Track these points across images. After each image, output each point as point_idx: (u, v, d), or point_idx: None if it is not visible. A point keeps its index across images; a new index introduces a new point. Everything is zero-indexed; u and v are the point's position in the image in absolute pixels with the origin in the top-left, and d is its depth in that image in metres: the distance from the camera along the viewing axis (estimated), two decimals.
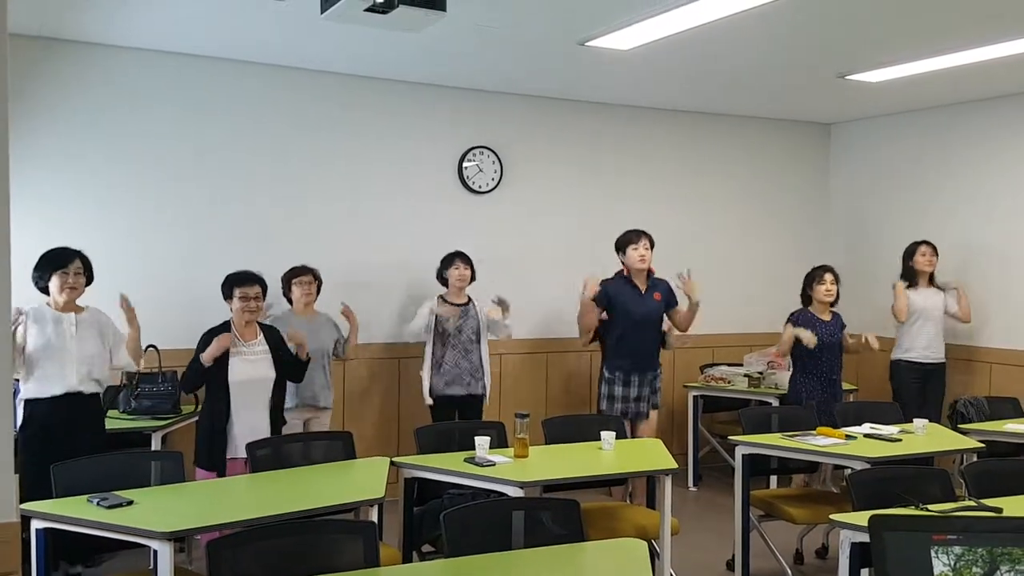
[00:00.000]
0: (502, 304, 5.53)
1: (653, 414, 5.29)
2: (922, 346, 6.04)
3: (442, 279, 5.57)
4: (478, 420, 5.35)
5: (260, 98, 5.68)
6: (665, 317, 5.41)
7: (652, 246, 5.26)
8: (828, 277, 5.53)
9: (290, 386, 4.88)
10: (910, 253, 6.15)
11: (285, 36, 5.01)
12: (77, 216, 5.19)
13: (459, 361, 5.45)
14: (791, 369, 5.65)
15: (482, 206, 6.36)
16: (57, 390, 4.01)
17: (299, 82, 5.77)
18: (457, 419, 5.42)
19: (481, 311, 5.54)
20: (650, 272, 5.31)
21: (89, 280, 4.21)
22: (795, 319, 5.50)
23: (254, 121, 5.68)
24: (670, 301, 5.34)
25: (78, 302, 4.18)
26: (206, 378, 4.35)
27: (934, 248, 6.11)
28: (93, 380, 4.15)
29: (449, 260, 5.55)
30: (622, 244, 5.29)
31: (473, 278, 5.57)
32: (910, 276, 6.11)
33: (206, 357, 4.29)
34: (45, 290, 4.12)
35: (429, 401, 5.45)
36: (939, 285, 6.17)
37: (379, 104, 6.02)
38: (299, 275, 5.21)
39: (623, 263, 5.29)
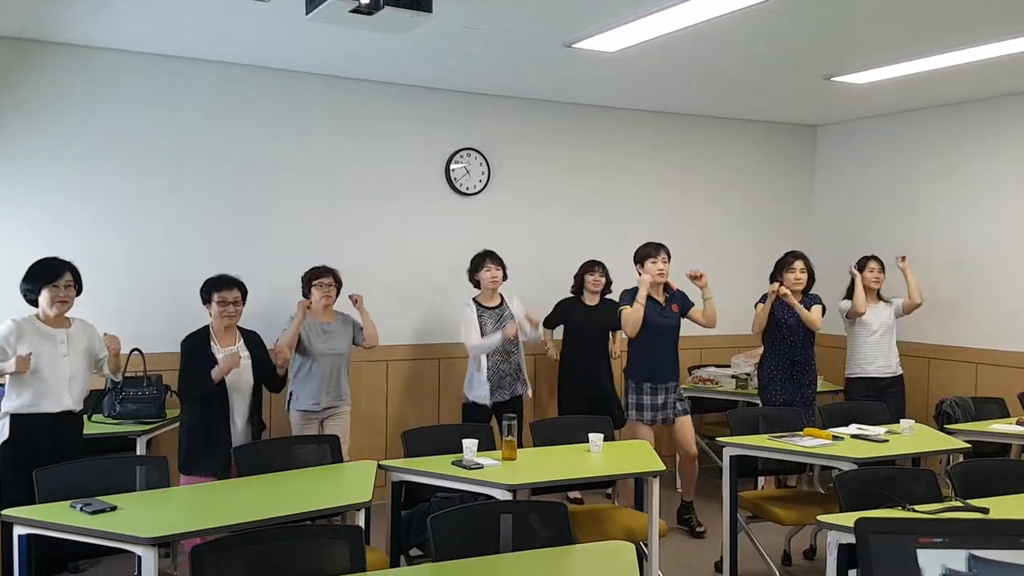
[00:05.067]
0: (529, 320, 5.48)
1: (684, 419, 5.35)
2: (875, 361, 5.91)
3: (474, 281, 5.55)
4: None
5: (245, 100, 5.65)
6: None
7: (669, 259, 5.27)
8: (798, 264, 5.54)
9: (310, 387, 5.00)
10: (859, 267, 6.00)
11: (269, 38, 4.98)
12: (59, 218, 5.15)
13: (500, 365, 5.44)
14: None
15: (470, 208, 6.35)
16: (50, 409, 3.96)
17: (284, 84, 5.74)
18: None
19: (515, 310, 5.51)
20: (667, 285, 5.33)
21: (79, 291, 4.14)
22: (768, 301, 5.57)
23: (239, 123, 5.64)
24: (685, 307, 5.38)
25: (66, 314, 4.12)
26: (213, 387, 4.35)
27: (882, 264, 6.00)
28: (82, 396, 4.12)
29: (479, 261, 5.53)
30: (641, 257, 5.31)
31: (505, 277, 5.56)
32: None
33: (216, 375, 4.29)
34: (35, 303, 4.05)
35: (473, 398, 5.45)
36: (885, 300, 6.04)
37: (365, 106, 6.00)
38: (320, 276, 5.18)
39: (641, 276, 5.30)
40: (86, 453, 4.12)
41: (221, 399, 4.36)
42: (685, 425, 5.36)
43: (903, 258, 6.05)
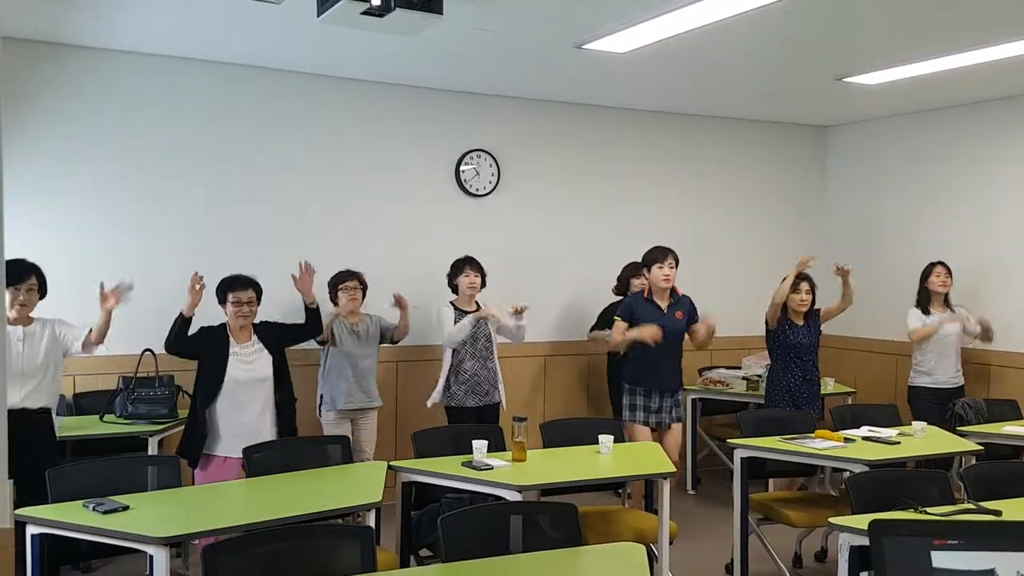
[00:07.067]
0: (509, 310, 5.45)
1: (676, 427, 5.25)
2: (942, 373, 5.85)
3: (452, 286, 5.56)
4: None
5: (254, 102, 5.67)
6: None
7: (677, 264, 5.20)
8: (804, 286, 5.47)
9: (341, 387, 5.10)
10: (925, 274, 5.94)
11: (281, 39, 5.00)
12: (70, 219, 5.19)
13: (478, 370, 5.43)
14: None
15: (479, 209, 6.36)
16: None
17: (295, 86, 5.76)
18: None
19: (497, 313, 5.48)
20: (673, 290, 5.24)
21: (42, 295, 4.16)
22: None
23: (250, 124, 5.66)
24: (692, 317, 5.28)
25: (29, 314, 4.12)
26: (186, 337, 4.41)
27: (948, 269, 5.92)
28: (41, 395, 4.07)
29: (459, 267, 5.53)
30: (648, 262, 5.22)
31: (483, 285, 5.55)
32: (924, 298, 5.91)
33: (186, 310, 4.39)
34: None
35: (434, 401, 5.44)
36: (953, 308, 5.95)
37: (376, 108, 6.01)
38: (345, 280, 5.26)
39: (647, 279, 5.25)
40: (79, 454, 4.14)
41: (222, 391, 4.35)
42: (675, 433, 5.21)
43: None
